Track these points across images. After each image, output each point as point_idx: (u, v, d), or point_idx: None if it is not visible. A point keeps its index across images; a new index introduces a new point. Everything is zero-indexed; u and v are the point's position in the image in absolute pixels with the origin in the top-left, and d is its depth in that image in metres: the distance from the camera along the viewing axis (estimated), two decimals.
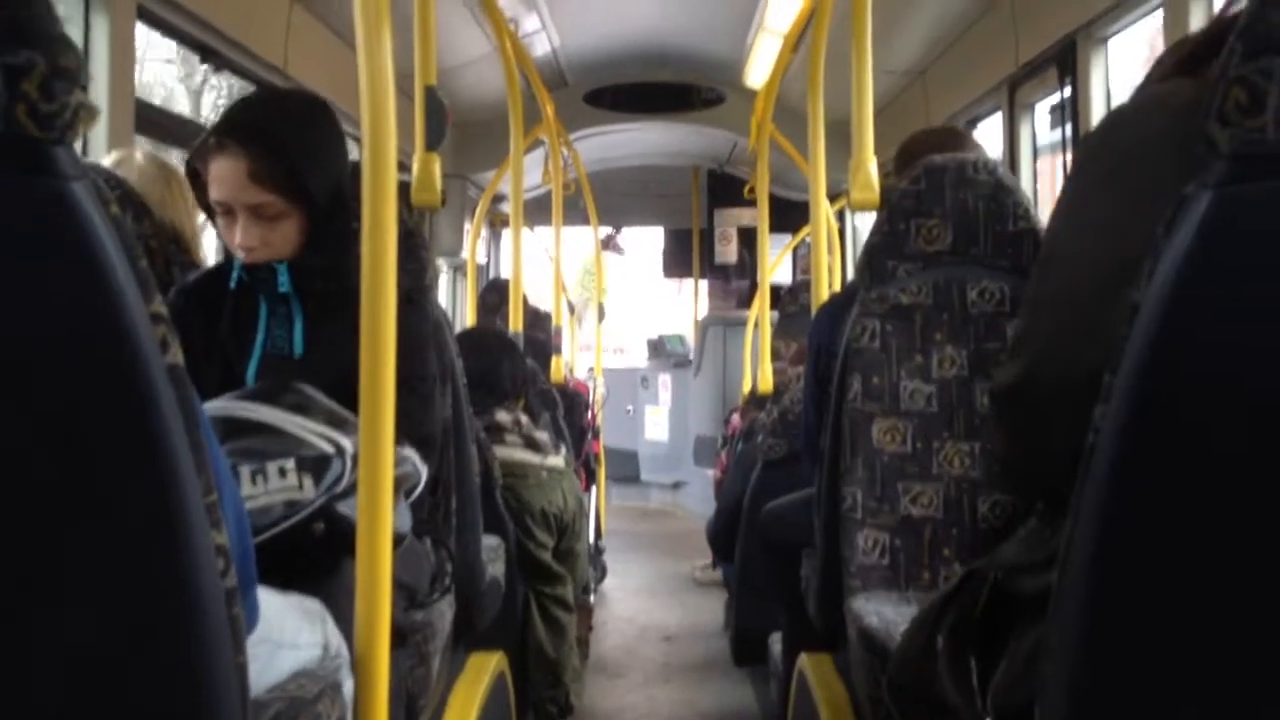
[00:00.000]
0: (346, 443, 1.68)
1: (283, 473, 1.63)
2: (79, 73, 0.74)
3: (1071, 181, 1.14)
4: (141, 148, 2.48)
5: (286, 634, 1.38)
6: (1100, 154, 1.10)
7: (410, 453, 1.88)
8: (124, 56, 2.77)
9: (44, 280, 0.75)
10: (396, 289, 2.03)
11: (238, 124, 1.84)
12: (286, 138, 1.83)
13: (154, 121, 3.25)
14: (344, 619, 1.49)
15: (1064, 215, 1.14)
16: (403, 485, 1.84)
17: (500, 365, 3.34)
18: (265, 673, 1.31)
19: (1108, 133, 1.11)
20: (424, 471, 1.92)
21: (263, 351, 1.95)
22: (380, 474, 1.49)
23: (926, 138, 2.54)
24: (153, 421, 0.79)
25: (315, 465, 1.65)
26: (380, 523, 1.49)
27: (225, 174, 1.81)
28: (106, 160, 2.29)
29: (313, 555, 1.64)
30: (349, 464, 1.66)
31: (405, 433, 1.90)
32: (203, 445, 0.84)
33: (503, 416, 3.27)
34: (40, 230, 0.74)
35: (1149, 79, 1.12)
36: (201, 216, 2.17)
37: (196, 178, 1.88)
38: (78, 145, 0.78)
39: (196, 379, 1.86)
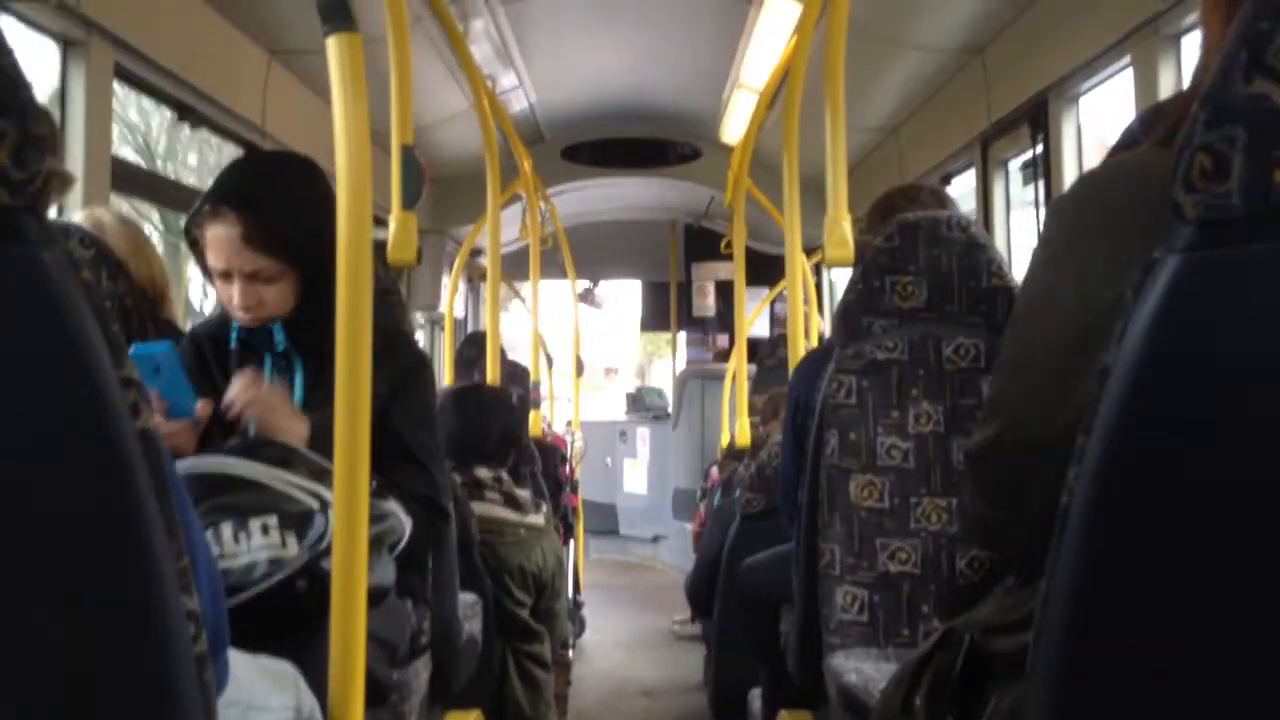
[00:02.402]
0: (330, 495, 1.67)
1: (265, 530, 1.63)
2: (51, 140, 0.74)
3: (1041, 246, 1.15)
4: (106, 206, 2.48)
5: (257, 697, 1.36)
6: (1069, 219, 1.11)
7: (395, 507, 1.88)
8: (101, 114, 2.77)
9: (13, 348, 0.74)
10: (417, 354, 2.08)
11: (230, 191, 1.88)
12: (278, 202, 1.88)
13: (131, 179, 3.25)
14: (326, 677, 1.48)
15: (1034, 279, 1.15)
16: (386, 540, 1.84)
17: (486, 424, 3.34)
18: None
19: (1077, 198, 1.13)
20: (407, 526, 1.92)
21: None
22: (356, 529, 1.48)
23: (899, 195, 2.56)
24: (124, 487, 0.78)
25: (298, 521, 1.64)
26: (356, 578, 1.48)
27: (221, 240, 1.86)
28: (76, 218, 2.29)
29: (297, 613, 1.63)
30: (332, 518, 1.65)
31: (420, 499, 1.99)
32: (174, 509, 0.83)
33: (483, 473, 3.25)
34: (10, 298, 0.74)
35: (1118, 146, 1.14)
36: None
37: (195, 244, 1.91)
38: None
39: (204, 429, 1.87)
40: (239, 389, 1.87)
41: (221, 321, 2.02)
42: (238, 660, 1.31)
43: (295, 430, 1.85)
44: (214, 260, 1.87)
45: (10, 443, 0.75)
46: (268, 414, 1.85)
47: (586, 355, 7.59)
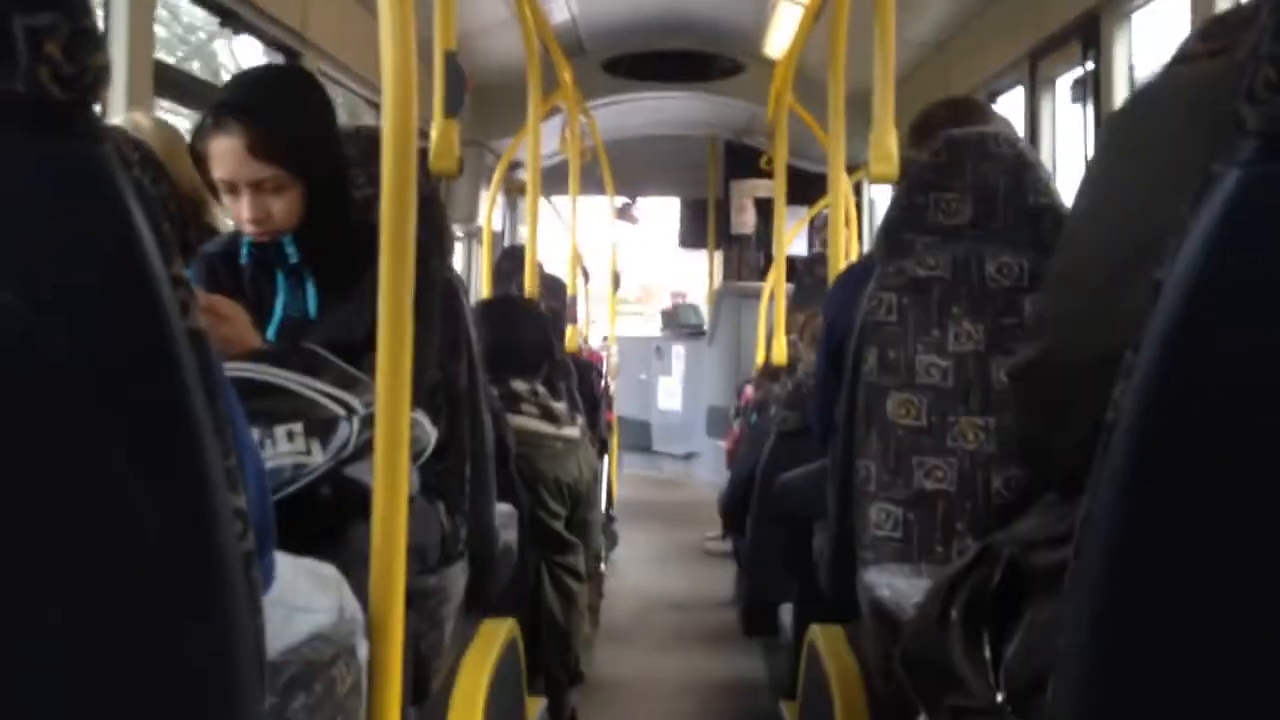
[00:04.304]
0: (357, 403, 1.68)
1: (290, 436, 1.64)
2: (100, 34, 0.74)
3: (1095, 160, 1.13)
4: (144, 111, 2.48)
5: (300, 597, 1.38)
6: (1124, 133, 1.09)
7: (420, 417, 1.90)
8: (144, 16, 2.76)
9: (69, 243, 0.75)
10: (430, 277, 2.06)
11: (232, 102, 1.87)
12: (280, 111, 1.88)
13: (173, 83, 3.24)
14: (355, 583, 1.51)
15: (1087, 194, 1.13)
16: (412, 449, 1.86)
17: (524, 336, 3.36)
18: (280, 635, 1.32)
19: (1132, 111, 1.11)
20: (433, 435, 1.94)
21: (283, 315, 1.99)
22: (398, 438, 1.50)
23: (944, 110, 2.52)
24: (174, 385, 0.79)
25: (323, 428, 1.66)
26: (398, 486, 1.50)
27: (225, 151, 1.85)
28: (115, 122, 2.29)
29: (321, 519, 1.65)
30: (357, 426, 1.67)
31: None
32: (221, 408, 0.84)
33: (519, 386, 3.28)
34: (65, 193, 0.74)
35: (1174, 60, 1.11)
36: None
37: (200, 159, 1.90)
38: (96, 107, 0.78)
39: None
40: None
41: (232, 238, 2.03)
42: (282, 561, 1.33)
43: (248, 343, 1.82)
44: (219, 173, 1.87)
45: (61, 339, 0.76)
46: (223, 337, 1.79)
47: (653, 280, 7.58)
